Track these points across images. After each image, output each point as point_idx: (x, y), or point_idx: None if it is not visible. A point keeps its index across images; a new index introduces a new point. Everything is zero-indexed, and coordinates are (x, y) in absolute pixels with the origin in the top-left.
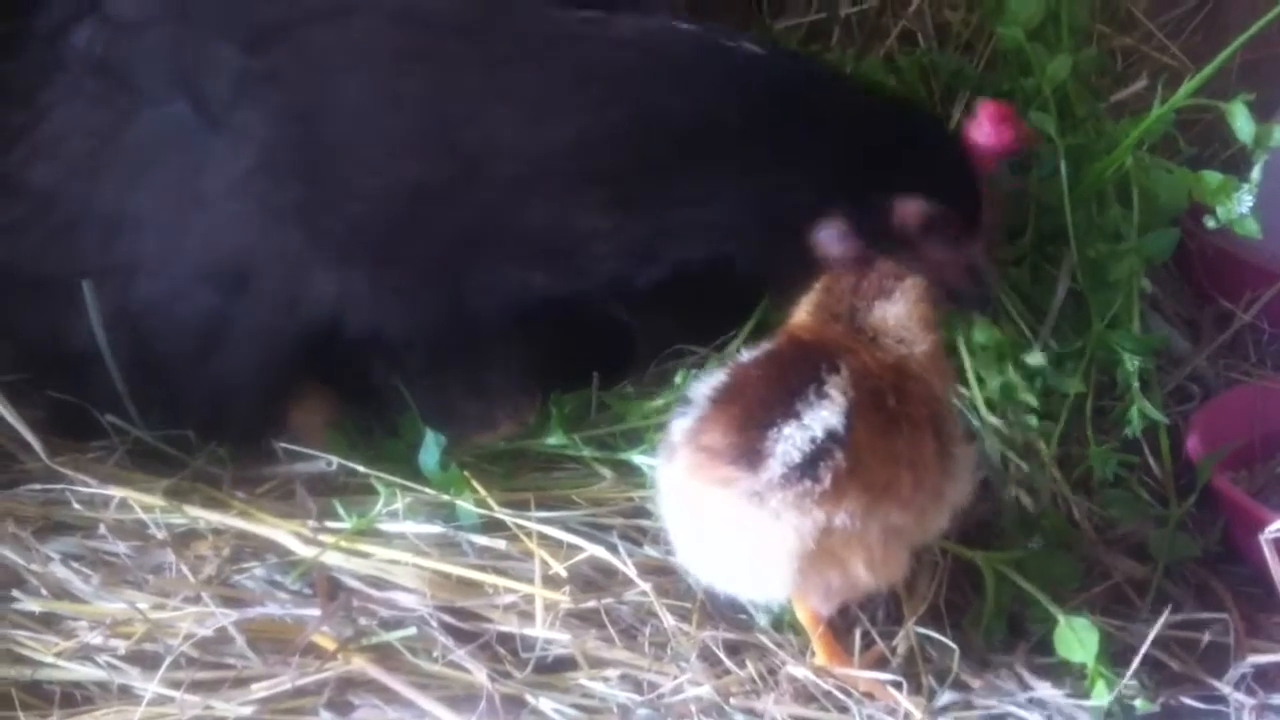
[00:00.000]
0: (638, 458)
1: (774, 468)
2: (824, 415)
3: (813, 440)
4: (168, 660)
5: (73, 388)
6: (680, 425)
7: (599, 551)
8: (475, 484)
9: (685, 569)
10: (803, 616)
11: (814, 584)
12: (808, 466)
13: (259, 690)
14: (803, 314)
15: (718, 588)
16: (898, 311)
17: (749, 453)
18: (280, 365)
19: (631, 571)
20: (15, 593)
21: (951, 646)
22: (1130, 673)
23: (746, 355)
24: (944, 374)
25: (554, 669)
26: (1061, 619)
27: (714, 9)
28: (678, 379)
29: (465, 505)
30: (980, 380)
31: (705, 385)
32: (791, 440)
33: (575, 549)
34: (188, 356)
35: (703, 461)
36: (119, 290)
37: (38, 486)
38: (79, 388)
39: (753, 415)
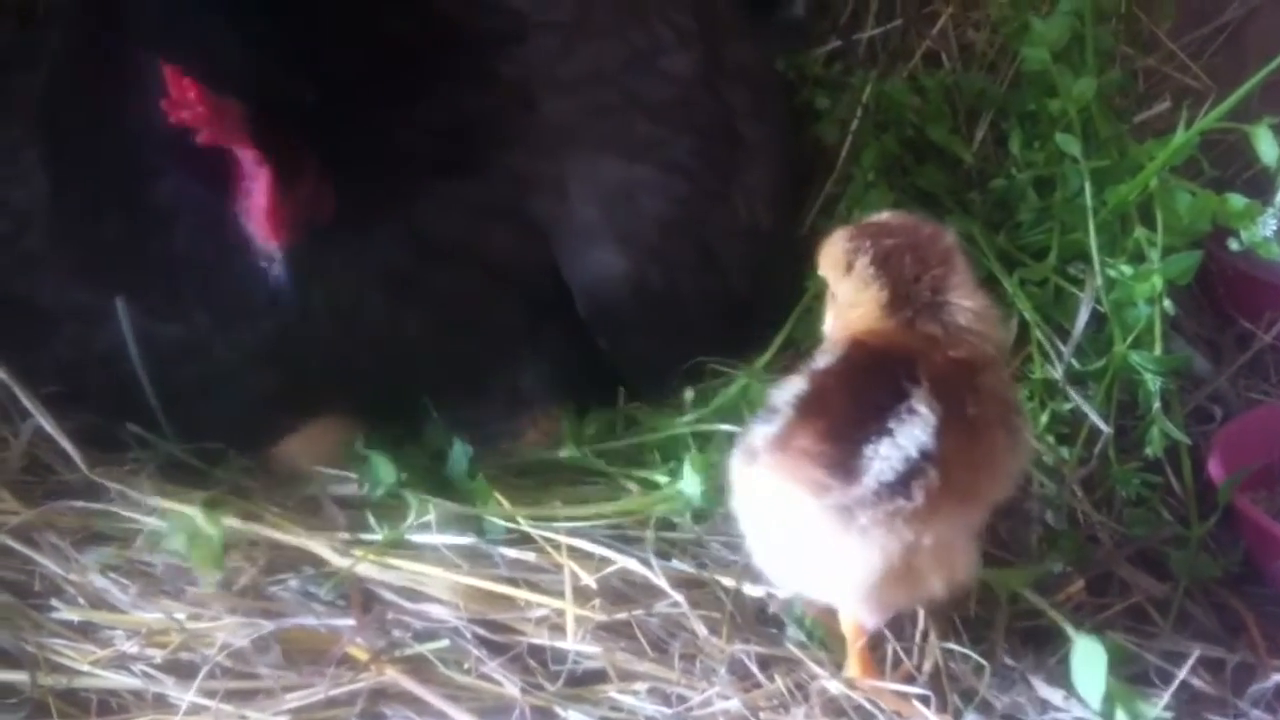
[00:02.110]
0: (660, 476)
1: (867, 484)
2: (916, 433)
3: (907, 459)
4: (203, 670)
5: (105, 402)
6: (764, 431)
7: (631, 564)
8: (500, 497)
9: (715, 582)
10: (846, 627)
11: (885, 599)
12: (901, 485)
13: (292, 700)
14: (869, 313)
15: (786, 590)
16: (961, 280)
17: (842, 465)
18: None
19: (664, 583)
20: (54, 602)
21: (981, 663)
22: (1164, 701)
23: (820, 362)
24: (993, 322)
25: (584, 681)
26: (1076, 641)
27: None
28: (687, 396)
29: (493, 519)
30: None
31: (785, 393)
32: (887, 459)
33: (605, 561)
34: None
35: (794, 466)
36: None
37: (77, 501)
38: (111, 402)
39: (843, 428)
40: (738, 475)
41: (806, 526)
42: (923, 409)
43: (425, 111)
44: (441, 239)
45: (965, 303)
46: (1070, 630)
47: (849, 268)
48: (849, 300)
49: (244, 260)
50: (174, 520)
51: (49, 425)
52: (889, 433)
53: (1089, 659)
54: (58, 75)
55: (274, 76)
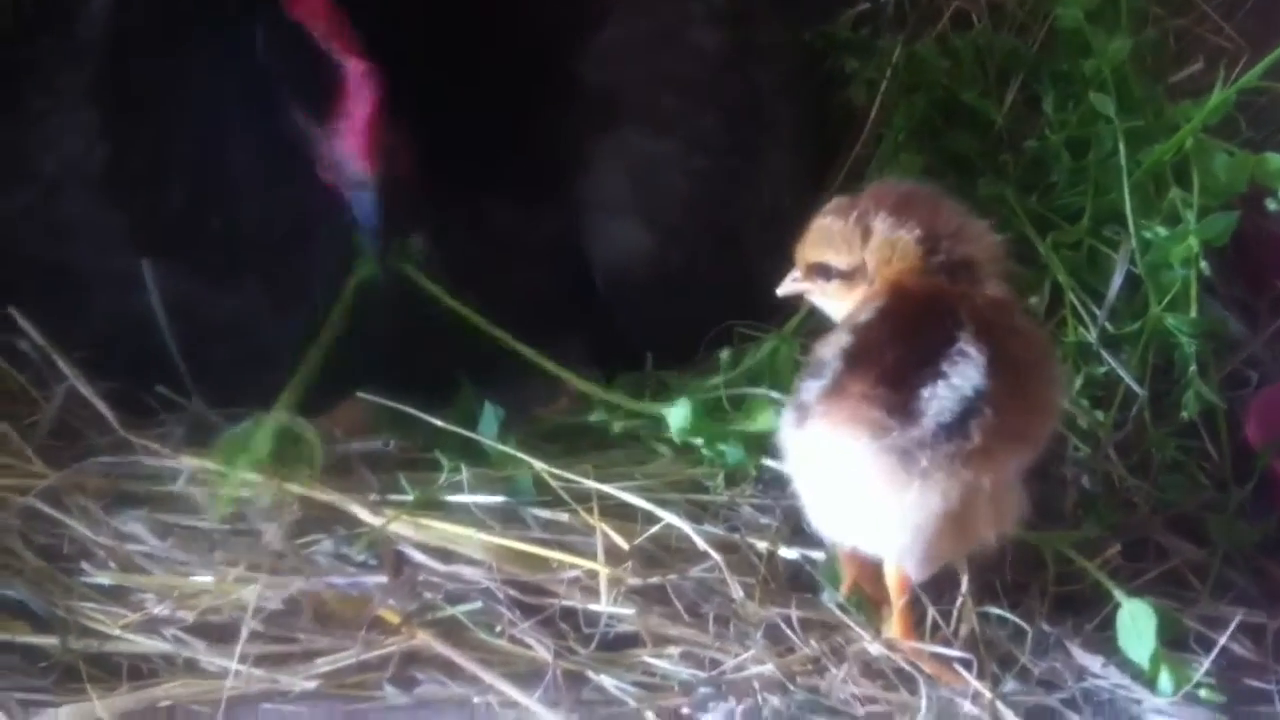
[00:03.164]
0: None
1: (927, 425)
2: (970, 373)
3: (963, 399)
4: (237, 634)
5: (136, 368)
6: (814, 385)
7: (671, 519)
8: (530, 459)
9: (749, 545)
10: (892, 582)
11: (938, 548)
12: (959, 425)
13: (323, 664)
14: (903, 266)
15: (843, 542)
16: (979, 231)
17: (901, 407)
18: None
19: (702, 542)
20: (84, 565)
21: (1021, 627)
22: (1204, 668)
23: (861, 315)
24: (1002, 263)
25: (616, 645)
26: (1123, 604)
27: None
28: (723, 356)
29: (524, 477)
30: None
31: (830, 348)
32: (944, 400)
33: (637, 523)
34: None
35: (852, 412)
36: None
37: (106, 459)
38: (142, 368)
39: (897, 372)
40: (788, 436)
41: (865, 473)
42: (971, 350)
43: (499, 118)
44: (499, 224)
45: (982, 244)
46: (1117, 593)
47: (867, 232)
48: (879, 262)
49: (313, 238)
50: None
51: (84, 388)
52: (942, 375)
53: (1137, 621)
54: (120, 38)
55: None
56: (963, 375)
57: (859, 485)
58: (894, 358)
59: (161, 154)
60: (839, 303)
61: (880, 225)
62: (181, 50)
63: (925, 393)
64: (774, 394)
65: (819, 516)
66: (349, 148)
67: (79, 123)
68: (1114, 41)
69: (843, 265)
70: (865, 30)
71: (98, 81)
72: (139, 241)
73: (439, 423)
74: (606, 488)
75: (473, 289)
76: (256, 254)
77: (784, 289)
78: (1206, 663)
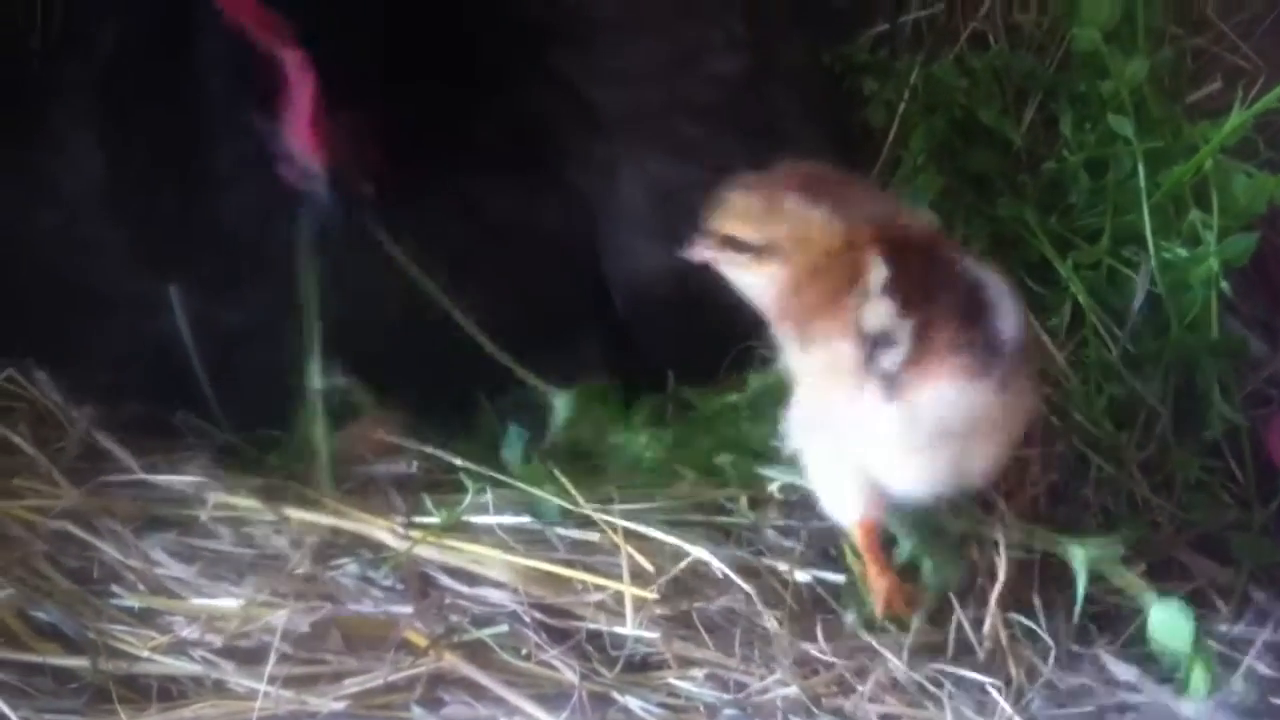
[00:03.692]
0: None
1: (1004, 353)
2: (1007, 298)
3: (1018, 319)
4: (265, 656)
5: (158, 392)
6: (890, 357)
7: (700, 552)
8: (560, 475)
9: (773, 570)
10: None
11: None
12: (1017, 348)
13: (351, 685)
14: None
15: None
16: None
17: (983, 346)
18: None
19: (730, 572)
20: (114, 588)
21: (1046, 641)
22: (1239, 672)
23: (875, 279)
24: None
25: (641, 668)
26: (1155, 605)
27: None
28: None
29: (549, 499)
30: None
31: (875, 319)
32: (1008, 323)
33: (663, 545)
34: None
35: (954, 359)
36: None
37: (134, 478)
38: (165, 391)
39: (955, 312)
40: (881, 413)
41: (979, 413)
42: (991, 277)
43: (485, 103)
44: (494, 212)
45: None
46: (1149, 595)
47: (779, 209)
48: (793, 239)
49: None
50: None
51: (100, 434)
52: (990, 304)
53: (1170, 621)
54: (118, 50)
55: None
56: (1002, 298)
57: (972, 427)
58: (942, 306)
59: (152, 164)
60: (748, 277)
61: (793, 203)
62: (171, 60)
63: (987, 325)
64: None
65: (914, 477)
66: (296, 139)
67: (96, 145)
68: (1132, 63)
69: (755, 240)
70: (883, 51)
71: (96, 92)
72: (138, 256)
73: (458, 460)
74: (632, 525)
75: (473, 282)
76: (251, 262)
77: (692, 254)
78: (1241, 670)
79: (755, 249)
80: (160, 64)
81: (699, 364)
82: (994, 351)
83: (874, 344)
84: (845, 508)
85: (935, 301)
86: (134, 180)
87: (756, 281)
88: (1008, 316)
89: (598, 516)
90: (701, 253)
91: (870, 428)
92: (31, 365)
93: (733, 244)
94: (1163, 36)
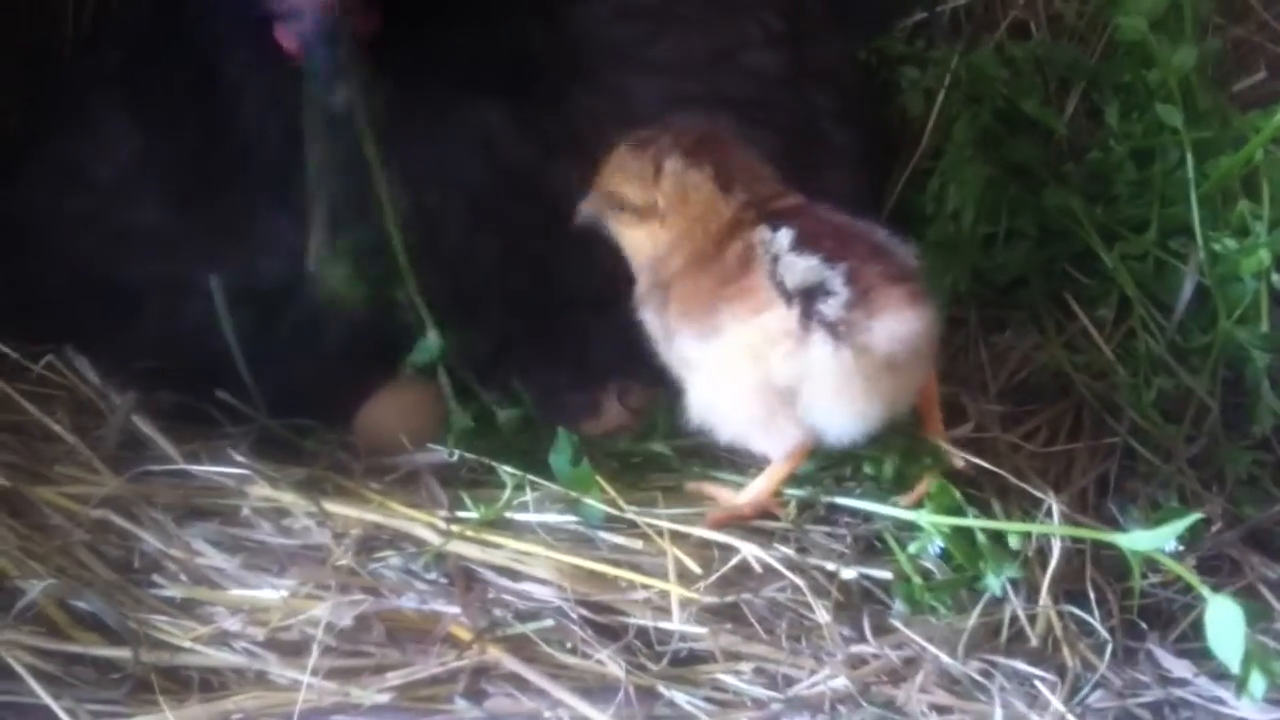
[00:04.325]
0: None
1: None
2: (884, 237)
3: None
4: (308, 648)
5: (195, 376)
6: (832, 302)
7: (749, 548)
8: (604, 483)
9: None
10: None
11: None
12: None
13: (395, 678)
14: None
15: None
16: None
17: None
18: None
19: (778, 565)
20: (155, 578)
21: (1099, 634)
22: None
23: (784, 237)
24: None
25: (687, 662)
26: (1210, 602)
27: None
28: None
29: (593, 503)
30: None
31: (801, 272)
32: (908, 261)
33: (708, 546)
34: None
35: (890, 296)
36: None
37: (174, 466)
38: (202, 376)
39: (876, 256)
40: (831, 360)
41: (916, 341)
42: (861, 221)
43: (489, 33)
44: (515, 159)
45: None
46: (1204, 590)
47: (659, 170)
48: (673, 201)
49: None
50: None
51: (144, 423)
52: (885, 241)
53: (1224, 618)
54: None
55: None
56: (887, 237)
57: (913, 357)
58: (860, 248)
59: (172, 97)
60: (630, 234)
61: (672, 165)
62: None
63: (903, 257)
64: None
65: (853, 416)
66: None
67: (130, 131)
68: (1179, 52)
69: (636, 200)
70: (920, 41)
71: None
72: (170, 191)
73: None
74: (679, 527)
75: (488, 232)
76: (268, 172)
77: (580, 210)
78: None
79: (635, 208)
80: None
81: None
82: (915, 279)
83: (806, 298)
84: (778, 438)
85: (851, 248)
86: (160, 129)
87: (636, 239)
88: (903, 249)
89: (643, 521)
90: (587, 209)
91: (817, 378)
92: (71, 352)
93: (615, 201)
94: (1207, 26)
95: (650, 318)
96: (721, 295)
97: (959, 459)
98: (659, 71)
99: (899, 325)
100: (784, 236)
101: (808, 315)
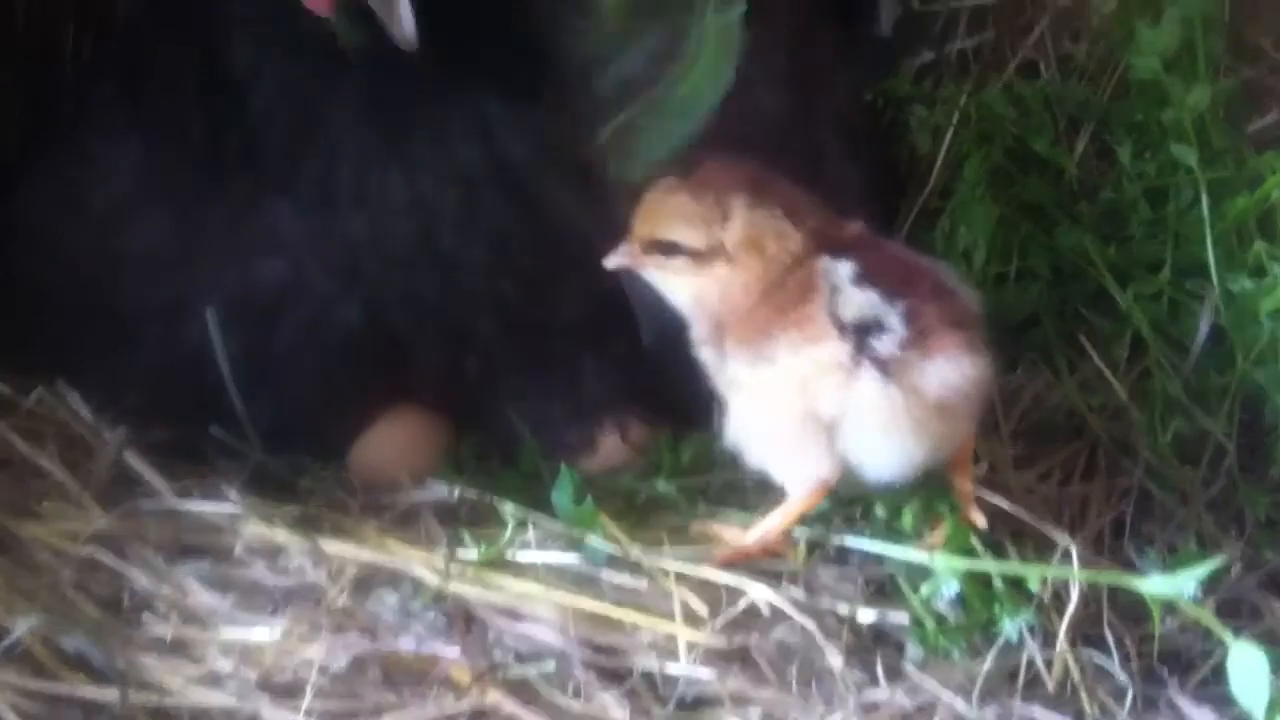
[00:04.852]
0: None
1: (979, 326)
2: (948, 277)
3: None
4: (302, 690)
5: (189, 408)
6: (886, 339)
7: (760, 589)
8: (608, 521)
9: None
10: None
11: None
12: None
13: None
14: (799, 233)
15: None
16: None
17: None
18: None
19: (788, 607)
20: (145, 617)
21: (1118, 679)
22: None
23: (843, 271)
24: None
25: (694, 707)
26: (1231, 647)
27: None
28: None
29: (597, 543)
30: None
31: (859, 305)
32: (969, 305)
33: (716, 588)
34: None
35: (949, 335)
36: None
37: (166, 503)
38: (195, 407)
39: (936, 296)
40: (878, 396)
41: (971, 381)
42: (925, 258)
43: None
44: (512, 157)
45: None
46: (1226, 635)
47: (727, 211)
48: (742, 241)
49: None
50: None
51: (135, 459)
52: (945, 282)
53: (1247, 664)
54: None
55: None
56: (952, 278)
57: (963, 402)
58: (921, 286)
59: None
60: (685, 281)
61: (741, 204)
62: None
63: (964, 301)
64: None
65: (895, 458)
66: None
67: (129, 156)
68: (1194, 91)
69: (697, 245)
70: (928, 81)
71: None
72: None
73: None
74: (685, 568)
75: (480, 224)
76: (270, 153)
77: (614, 262)
78: None
79: (696, 253)
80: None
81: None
82: (974, 326)
83: (860, 333)
84: (807, 470)
85: (913, 286)
86: (162, 123)
87: (697, 286)
88: (967, 293)
89: (648, 562)
90: (624, 260)
91: (863, 414)
92: (63, 386)
93: (665, 248)
94: (1219, 66)
95: (708, 351)
96: (777, 322)
97: (979, 517)
98: None
99: (952, 370)
100: (845, 269)
101: (860, 350)
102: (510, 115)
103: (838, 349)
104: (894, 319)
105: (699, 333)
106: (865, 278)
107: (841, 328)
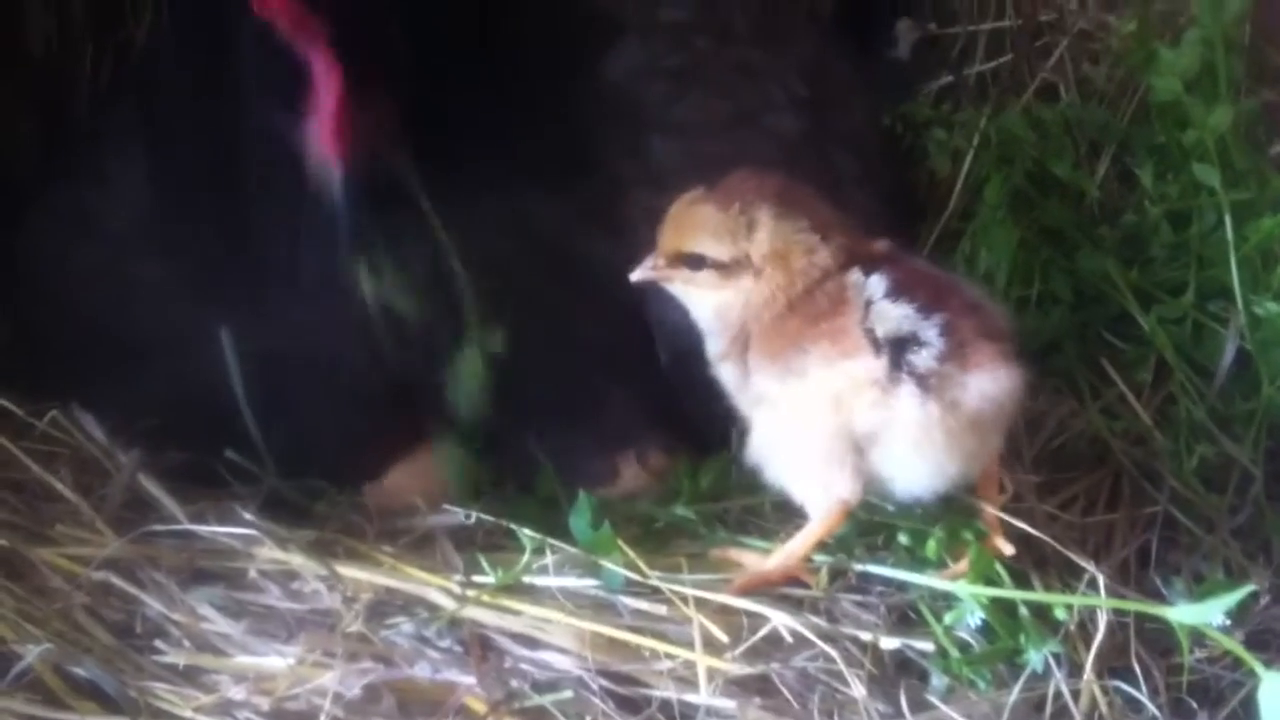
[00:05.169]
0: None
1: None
2: (978, 292)
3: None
4: (315, 719)
5: (204, 436)
6: (924, 354)
7: (780, 616)
8: (625, 547)
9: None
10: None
11: None
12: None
13: None
14: (828, 245)
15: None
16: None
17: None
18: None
19: (811, 635)
20: (157, 643)
21: (1149, 710)
22: None
23: (877, 288)
24: None
25: None
26: (1263, 678)
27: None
28: None
29: (615, 568)
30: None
31: (894, 320)
32: (1000, 319)
33: (735, 615)
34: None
35: (985, 348)
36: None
37: (180, 527)
38: (210, 436)
39: (972, 311)
40: (917, 412)
41: (1007, 396)
42: (953, 274)
43: (528, 108)
44: (542, 227)
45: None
46: (1258, 667)
47: (753, 223)
48: (770, 253)
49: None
50: None
51: (151, 484)
52: (972, 292)
53: (1279, 696)
54: (163, 79)
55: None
56: (981, 293)
57: (998, 416)
58: (956, 301)
59: (194, 189)
60: (711, 294)
61: (767, 216)
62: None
63: (999, 315)
64: None
65: (928, 473)
66: (320, 141)
67: (145, 180)
68: (1215, 112)
69: (723, 257)
70: (946, 105)
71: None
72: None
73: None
74: (705, 594)
75: (515, 302)
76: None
77: (640, 275)
78: None
79: (722, 265)
80: (203, 92)
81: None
82: (1007, 338)
83: (895, 347)
84: (830, 489)
85: (946, 300)
86: (177, 207)
87: (722, 299)
88: (995, 307)
89: (667, 588)
90: (651, 274)
91: (899, 430)
92: (76, 409)
93: (692, 261)
94: (1239, 88)
95: (729, 368)
96: (808, 335)
97: (1007, 545)
98: (679, 132)
99: (991, 383)
100: (877, 283)
101: (897, 365)
102: (547, 198)
103: (873, 364)
104: (931, 333)
105: (720, 348)
106: (899, 291)
107: (876, 343)
